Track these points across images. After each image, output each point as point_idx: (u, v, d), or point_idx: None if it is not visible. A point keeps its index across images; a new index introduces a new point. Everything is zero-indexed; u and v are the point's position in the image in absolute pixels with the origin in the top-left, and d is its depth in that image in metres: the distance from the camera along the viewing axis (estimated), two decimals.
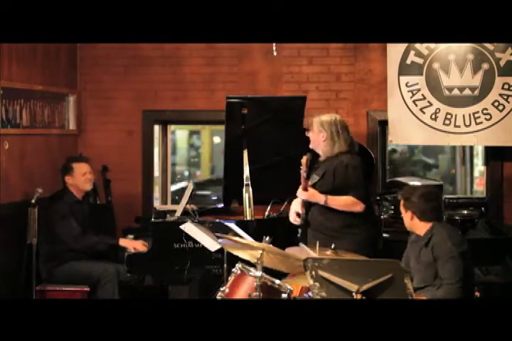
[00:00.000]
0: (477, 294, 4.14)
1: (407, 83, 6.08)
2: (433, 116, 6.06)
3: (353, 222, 4.64)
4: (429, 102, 6.06)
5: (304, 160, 4.61)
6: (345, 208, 4.63)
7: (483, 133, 6.01)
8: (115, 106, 6.60)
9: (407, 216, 4.13)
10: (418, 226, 4.10)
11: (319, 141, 4.75)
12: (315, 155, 4.82)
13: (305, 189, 4.68)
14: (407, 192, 4.17)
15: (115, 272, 5.25)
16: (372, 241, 4.73)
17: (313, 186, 4.73)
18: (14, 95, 5.54)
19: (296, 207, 4.85)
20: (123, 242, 5.42)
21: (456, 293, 3.80)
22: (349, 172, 4.63)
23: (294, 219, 4.87)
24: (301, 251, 4.15)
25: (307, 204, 4.77)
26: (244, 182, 5.33)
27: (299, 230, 4.98)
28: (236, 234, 4.50)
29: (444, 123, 6.05)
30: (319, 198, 4.66)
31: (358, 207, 4.61)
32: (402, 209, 4.16)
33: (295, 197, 4.83)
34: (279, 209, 5.55)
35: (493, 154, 6.36)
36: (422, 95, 6.07)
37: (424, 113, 6.07)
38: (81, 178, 5.51)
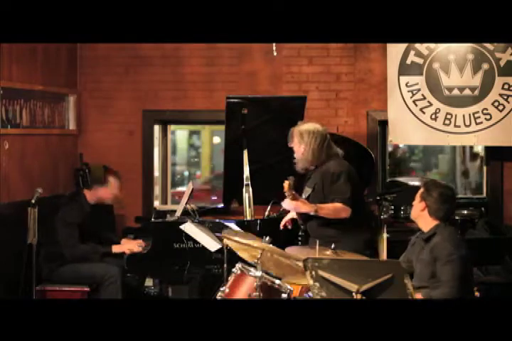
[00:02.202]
0: (477, 294, 4.14)
1: (407, 83, 6.08)
2: (433, 116, 6.06)
3: (350, 228, 4.59)
4: (429, 102, 6.06)
5: (285, 184, 4.43)
6: (332, 216, 4.56)
7: (483, 133, 6.01)
8: (115, 106, 6.60)
9: (419, 206, 4.09)
10: (424, 220, 4.07)
11: (301, 152, 4.69)
12: (301, 177, 4.74)
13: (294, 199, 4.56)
14: (430, 184, 4.14)
15: (118, 273, 5.24)
16: (369, 243, 4.71)
17: (307, 199, 4.66)
18: (14, 95, 5.54)
19: (291, 215, 4.85)
20: (116, 248, 5.35)
21: (453, 298, 3.79)
22: (335, 179, 4.58)
23: (286, 221, 4.85)
24: (301, 251, 4.16)
25: (305, 216, 4.71)
26: (244, 182, 5.33)
27: (299, 238, 4.99)
28: None
29: (444, 123, 6.05)
30: (308, 208, 4.54)
31: (344, 213, 4.54)
32: (417, 197, 4.11)
33: None
34: (279, 209, 5.55)
35: (493, 154, 6.36)
36: (422, 95, 6.07)
37: (424, 113, 6.07)
38: (111, 194, 5.48)
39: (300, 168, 4.73)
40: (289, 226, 4.89)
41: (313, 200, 4.63)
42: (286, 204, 4.60)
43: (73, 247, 5.27)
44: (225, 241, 4.12)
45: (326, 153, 4.67)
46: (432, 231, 4.03)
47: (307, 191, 4.72)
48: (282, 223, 4.90)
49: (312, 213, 4.56)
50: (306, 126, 4.72)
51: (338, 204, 4.54)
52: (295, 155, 4.75)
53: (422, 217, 4.09)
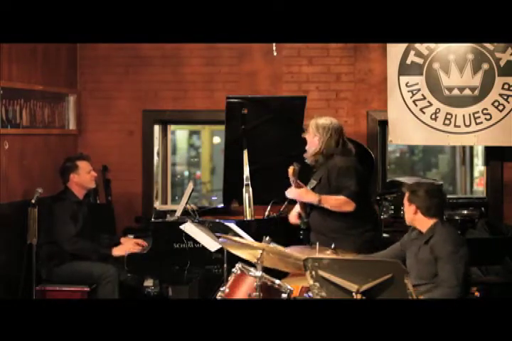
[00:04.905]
0: (477, 294, 4.14)
1: (407, 83, 6.09)
2: (433, 116, 6.06)
3: (354, 223, 4.63)
4: (429, 102, 6.07)
5: (290, 170, 4.57)
6: (336, 208, 4.61)
7: (483, 133, 6.01)
8: (115, 106, 6.60)
9: (410, 209, 4.10)
10: (420, 221, 4.08)
11: (314, 143, 4.74)
12: (304, 164, 4.80)
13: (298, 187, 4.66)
14: (413, 186, 4.16)
15: (116, 272, 5.24)
16: (372, 242, 4.72)
17: (312, 191, 4.71)
18: (14, 95, 5.53)
19: (298, 208, 4.86)
20: (116, 252, 5.33)
21: (455, 297, 3.80)
22: (341, 173, 4.62)
23: (293, 217, 4.87)
24: (301, 251, 4.16)
25: (308, 208, 4.76)
26: (244, 182, 5.34)
27: (301, 232, 4.99)
28: (236, 234, 4.50)
29: (444, 123, 6.05)
30: (312, 197, 4.64)
31: (349, 206, 4.58)
32: (406, 202, 4.13)
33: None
34: (279, 209, 5.55)
35: (493, 154, 6.36)
36: (422, 95, 6.07)
37: (424, 113, 6.07)
38: (87, 176, 5.49)
39: (310, 160, 4.77)
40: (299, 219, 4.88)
41: (317, 193, 4.66)
42: (290, 192, 4.69)
43: (73, 239, 5.27)
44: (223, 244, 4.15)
45: (337, 148, 4.71)
46: (430, 231, 4.03)
47: (312, 183, 4.77)
48: (292, 219, 4.89)
49: (315, 203, 4.61)
50: (323, 120, 4.78)
51: (342, 197, 4.58)
52: (307, 147, 4.80)
53: (416, 219, 4.10)
